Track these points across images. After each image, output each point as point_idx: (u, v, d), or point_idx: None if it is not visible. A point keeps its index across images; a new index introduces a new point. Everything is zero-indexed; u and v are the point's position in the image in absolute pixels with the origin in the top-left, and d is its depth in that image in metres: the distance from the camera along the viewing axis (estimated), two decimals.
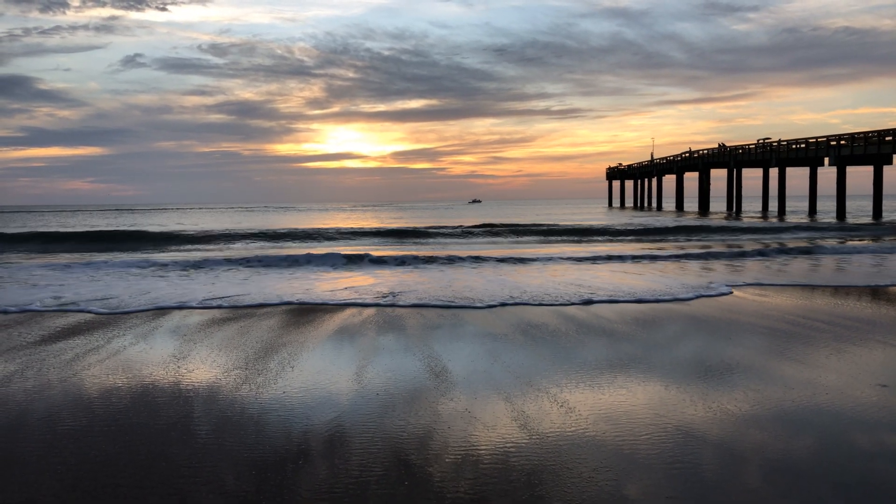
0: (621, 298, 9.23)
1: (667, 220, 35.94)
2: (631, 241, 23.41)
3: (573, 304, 8.84)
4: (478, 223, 32.66)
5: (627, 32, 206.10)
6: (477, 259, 15.08)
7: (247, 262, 14.81)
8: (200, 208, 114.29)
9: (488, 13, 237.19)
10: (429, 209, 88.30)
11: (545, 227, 29.49)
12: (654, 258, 15.25)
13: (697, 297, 9.44)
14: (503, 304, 8.87)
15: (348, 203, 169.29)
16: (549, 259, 15.09)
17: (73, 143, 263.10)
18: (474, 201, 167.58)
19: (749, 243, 20.35)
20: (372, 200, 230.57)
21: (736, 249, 17.42)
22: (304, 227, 30.79)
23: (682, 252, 16.69)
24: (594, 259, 15.02)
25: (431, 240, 25.27)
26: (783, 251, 16.95)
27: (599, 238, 25.08)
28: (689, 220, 36.71)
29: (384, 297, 9.47)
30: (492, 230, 28.85)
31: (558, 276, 11.93)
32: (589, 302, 8.95)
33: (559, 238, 25.68)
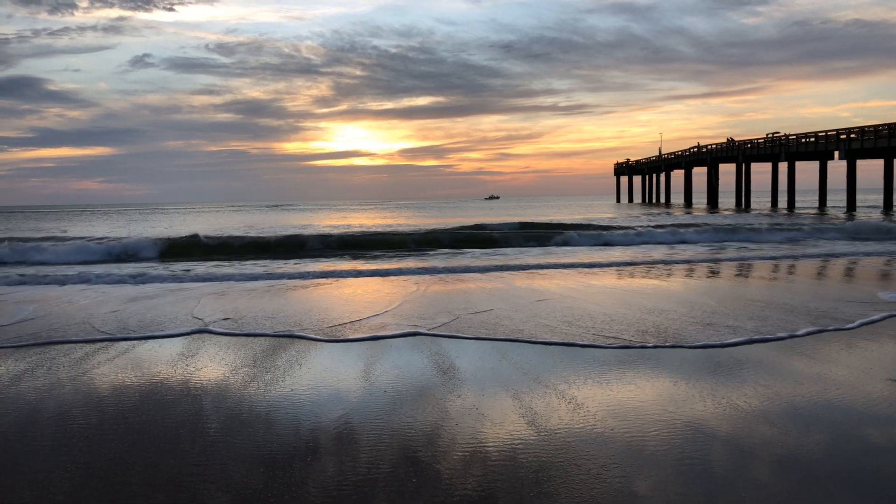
0: (761, 335, 6.39)
1: (755, 219, 30.94)
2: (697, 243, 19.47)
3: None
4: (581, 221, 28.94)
5: (634, 27, 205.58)
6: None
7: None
8: (196, 208, 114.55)
9: (494, 10, 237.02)
10: (445, 207, 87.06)
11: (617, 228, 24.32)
12: (743, 261, 13.40)
13: (869, 321, 6.80)
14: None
15: (355, 201, 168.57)
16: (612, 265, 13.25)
17: (83, 143, 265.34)
18: (491, 197, 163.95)
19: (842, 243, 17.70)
20: (380, 198, 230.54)
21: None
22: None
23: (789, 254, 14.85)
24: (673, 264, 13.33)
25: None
26: None
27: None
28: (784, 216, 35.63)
29: None
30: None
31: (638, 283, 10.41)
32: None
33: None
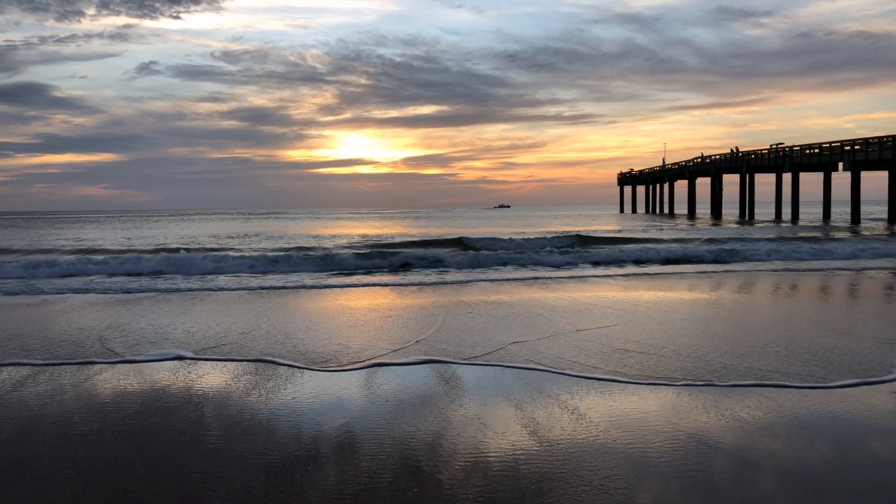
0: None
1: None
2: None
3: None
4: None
5: (639, 38, 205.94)
6: None
7: None
8: (194, 215, 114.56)
9: (500, 19, 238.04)
10: (461, 216, 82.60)
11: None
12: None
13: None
14: None
15: (360, 209, 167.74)
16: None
17: (88, 149, 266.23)
18: (501, 206, 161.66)
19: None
20: (383, 206, 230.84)
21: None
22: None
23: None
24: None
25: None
26: None
27: None
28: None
29: None
30: None
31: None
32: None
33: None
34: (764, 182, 54.40)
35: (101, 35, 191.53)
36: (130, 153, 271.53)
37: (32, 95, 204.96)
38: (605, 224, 44.68)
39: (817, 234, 26.58)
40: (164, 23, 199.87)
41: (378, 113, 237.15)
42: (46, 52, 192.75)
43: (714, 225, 40.22)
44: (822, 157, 40.32)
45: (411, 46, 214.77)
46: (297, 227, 48.09)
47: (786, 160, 43.73)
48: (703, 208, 61.53)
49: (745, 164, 48.99)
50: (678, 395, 4.87)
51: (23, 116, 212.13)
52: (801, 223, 39.43)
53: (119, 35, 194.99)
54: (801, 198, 45.29)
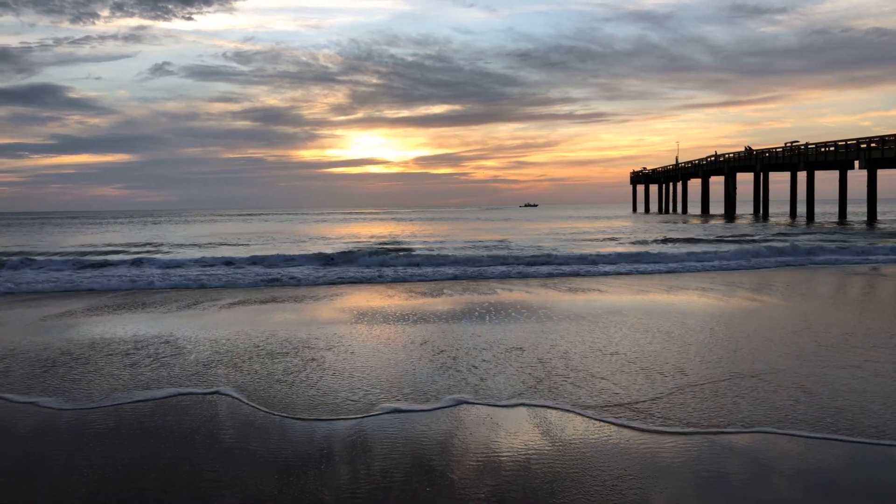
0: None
1: None
2: None
3: None
4: None
5: (652, 36, 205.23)
6: None
7: None
8: (190, 216, 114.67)
9: (512, 18, 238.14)
10: (474, 216, 76.38)
11: None
12: None
13: None
14: None
15: (376, 209, 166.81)
16: None
17: (102, 150, 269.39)
18: (528, 205, 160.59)
19: None
20: (396, 206, 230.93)
21: None
22: None
23: None
24: None
25: None
26: None
27: None
28: None
29: None
30: None
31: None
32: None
33: None
34: (778, 180, 54.11)
35: (115, 36, 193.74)
36: (144, 153, 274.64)
37: (47, 96, 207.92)
38: (618, 223, 44.47)
39: None
40: (176, 24, 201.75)
41: (390, 113, 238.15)
42: (61, 53, 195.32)
43: (730, 223, 39.84)
44: (837, 156, 39.97)
45: (423, 46, 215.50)
46: (255, 229, 44.98)
47: (801, 158, 43.36)
48: (717, 207, 61.11)
49: (759, 162, 48.64)
50: None
51: (38, 117, 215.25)
52: (816, 222, 39.04)
53: (133, 36, 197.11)
54: (816, 196, 44.91)
